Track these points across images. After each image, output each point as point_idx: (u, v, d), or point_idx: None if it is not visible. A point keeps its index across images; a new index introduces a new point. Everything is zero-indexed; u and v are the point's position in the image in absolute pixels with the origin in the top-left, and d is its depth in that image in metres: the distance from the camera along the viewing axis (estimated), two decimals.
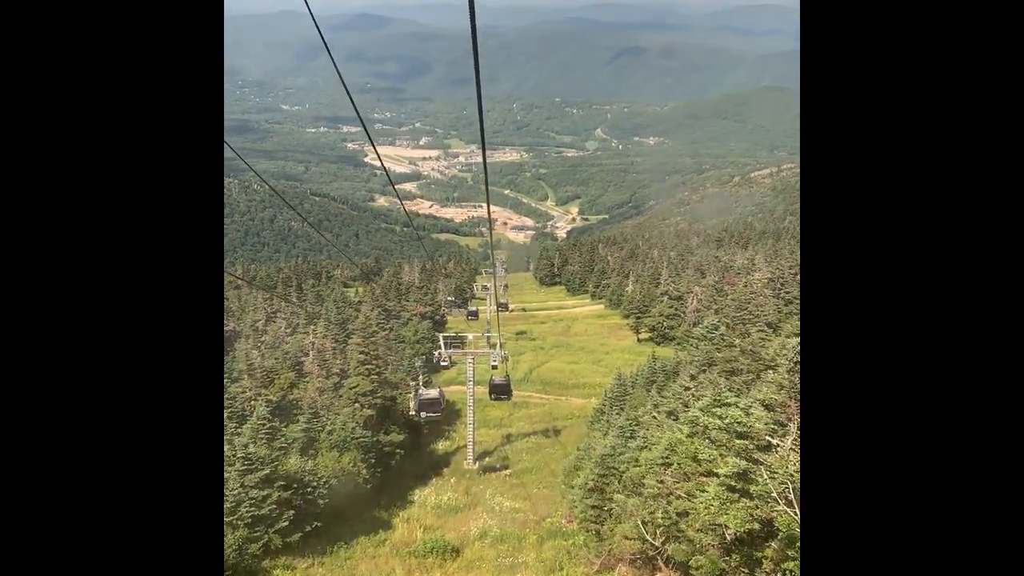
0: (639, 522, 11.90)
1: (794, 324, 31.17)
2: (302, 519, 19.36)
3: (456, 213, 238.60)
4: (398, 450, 29.81)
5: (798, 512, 7.15)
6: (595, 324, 64.83)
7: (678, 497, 11.42)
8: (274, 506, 18.43)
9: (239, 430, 22.60)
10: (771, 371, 24.41)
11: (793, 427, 8.31)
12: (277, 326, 48.12)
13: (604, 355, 52.31)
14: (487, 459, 32.53)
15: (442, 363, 36.71)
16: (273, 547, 18.07)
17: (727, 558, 9.87)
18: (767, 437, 8.56)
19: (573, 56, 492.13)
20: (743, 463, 8.27)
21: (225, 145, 4.52)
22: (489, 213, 8.27)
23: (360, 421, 27.95)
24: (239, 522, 17.27)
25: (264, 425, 22.83)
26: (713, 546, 9.82)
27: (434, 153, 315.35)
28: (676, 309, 54.99)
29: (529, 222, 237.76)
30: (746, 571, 9.29)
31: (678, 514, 10.89)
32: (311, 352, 37.90)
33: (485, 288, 73.41)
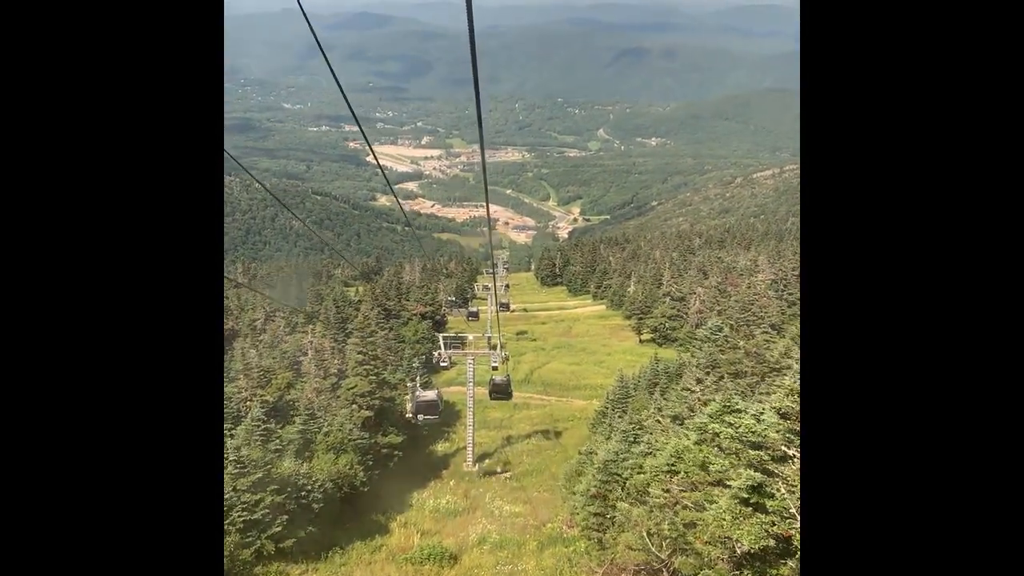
0: (644, 533, 11.42)
1: (798, 326, 30.66)
2: (296, 524, 18.88)
3: (458, 213, 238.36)
4: (396, 452, 29.32)
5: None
6: (597, 325, 64.35)
7: (685, 507, 10.93)
8: (267, 510, 17.97)
9: (233, 432, 22.15)
10: (776, 374, 23.98)
11: None
12: (276, 325, 47.66)
13: (606, 356, 51.85)
14: (487, 461, 32.04)
15: (442, 364, 36.27)
16: (266, 553, 17.60)
17: (737, 573, 9.39)
18: (783, 448, 8.07)
19: (575, 56, 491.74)
20: (758, 475, 7.78)
21: (225, 149, 4.31)
22: (488, 213, 7.89)
23: (358, 422, 27.50)
24: (231, 527, 16.80)
25: (259, 427, 22.39)
26: (723, 560, 9.33)
27: (436, 152, 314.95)
28: (678, 310, 54.50)
29: (531, 222, 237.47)
30: None
31: (685, 525, 10.41)
32: (310, 352, 37.48)
33: (486, 288, 72.99)
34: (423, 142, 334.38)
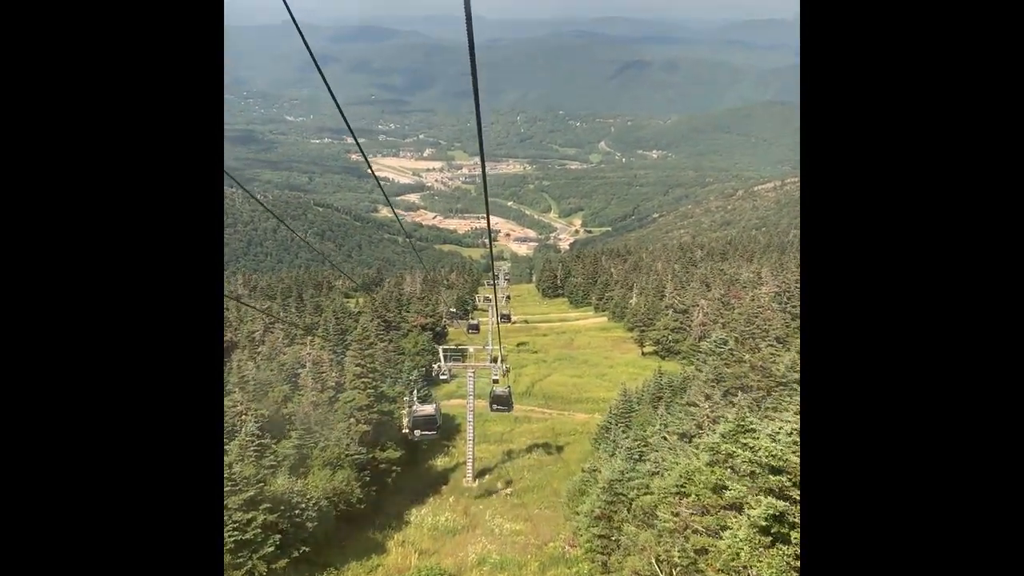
0: (653, 559, 10.79)
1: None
2: (289, 543, 18.25)
3: (459, 224, 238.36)
4: (395, 467, 28.65)
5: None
6: (598, 337, 63.71)
7: (695, 531, 10.32)
8: (259, 530, 17.35)
9: (227, 448, 21.54)
10: (783, 388, 23.35)
11: None
12: (275, 337, 47.07)
13: (608, 368, 51.19)
14: (487, 476, 31.34)
15: (442, 376, 35.65)
16: (257, 574, 16.97)
17: None
18: None
19: (577, 69, 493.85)
20: (780, 504, 7.19)
21: (224, 162, 4.12)
22: (489, 224, 7.51)
23: (355, 437, 26.85)
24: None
25: (253, 442, 21.78)
26: None
27: (438, 164, 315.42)
28: (681, 322, 53.88)
29: (532, 234, 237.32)
30: None
31: (696, 552, 9.80)
32: (308, 364, 36.87)
33: (487, 299, 72.43)
34: (425, 154, 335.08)
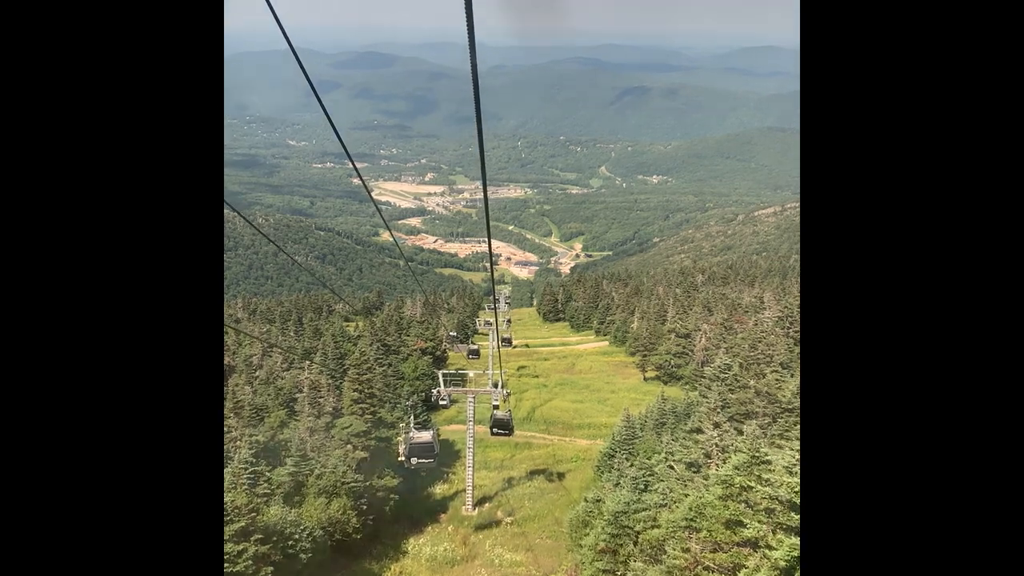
0: None
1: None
2: None
3: (460, 248, 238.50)
4: (392, 495, 27.95)
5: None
6: (600, 361, 63.11)
7: (707, 568, 9.78)
8: (250, 561, 16.73)
9: None
10: (789, 415, 22.78)
11: None
12: (273, 361, 46.55)
13: (610, 394, 50.56)
14: (487, 504, 30.62)
15: (441, 402, 35.04)
16: None
17: None
18: None
19: (578, 95, 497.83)
20: None
21: (228, 186, 3.75)
22: (490, 248, 7.20)
23: (352, 464, 26.23)
24: None
25: (246, 469, 21.20)
26: None
27: (439, 189, 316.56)
28: (683, 347, 53.34)
29: (533, 258, 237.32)
30: None
31: None
32: (305, 389, 36.29)
33: (488, 323, 71.91)
34: (427, 178, 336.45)
